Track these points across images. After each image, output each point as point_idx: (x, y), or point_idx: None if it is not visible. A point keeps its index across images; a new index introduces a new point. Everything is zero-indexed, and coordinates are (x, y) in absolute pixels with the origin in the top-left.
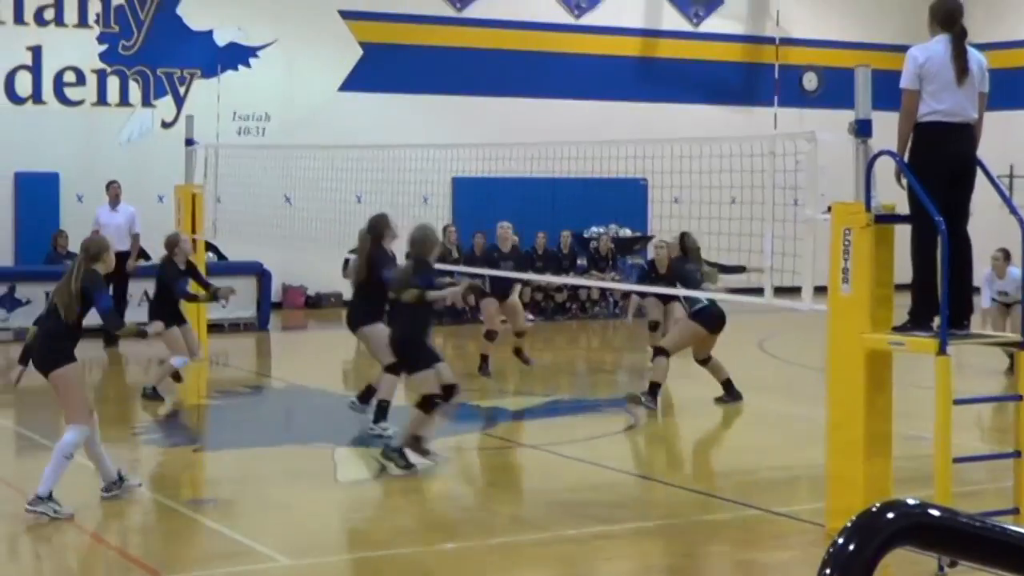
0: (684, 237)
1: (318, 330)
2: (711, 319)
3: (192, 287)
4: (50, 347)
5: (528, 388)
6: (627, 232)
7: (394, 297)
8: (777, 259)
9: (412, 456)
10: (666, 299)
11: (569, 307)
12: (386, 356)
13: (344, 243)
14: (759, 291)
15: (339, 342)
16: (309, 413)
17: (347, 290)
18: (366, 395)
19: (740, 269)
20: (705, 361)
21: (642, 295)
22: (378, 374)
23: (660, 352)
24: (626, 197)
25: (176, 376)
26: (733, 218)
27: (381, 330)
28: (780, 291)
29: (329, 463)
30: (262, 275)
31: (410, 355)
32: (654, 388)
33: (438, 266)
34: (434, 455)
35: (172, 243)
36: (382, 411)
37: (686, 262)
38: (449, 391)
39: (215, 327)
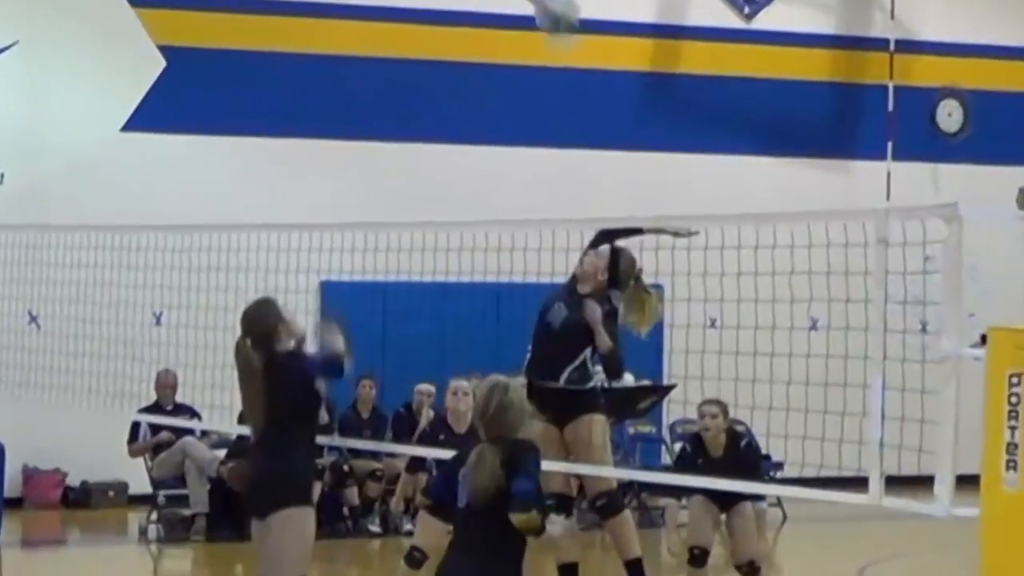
0: (618, 252)
1: (84, 546)
2: None
3: None
4: None
5: None
6: (628, 379)
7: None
8: (891, 427)
9: None
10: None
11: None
12: (298, 567)
13: (132, 395)
14: (860, 483)
15: (119, 564)
16: None
17: (133, 476)
18: None
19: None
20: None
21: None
22: None
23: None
24: None
25: None
26: (814, 355)
27: (308, 519)
28: (896, 483)
29: None
30: None
31: None
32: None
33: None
34: None
35: None
36: None
37: (617, 288)
38: None
39: None
